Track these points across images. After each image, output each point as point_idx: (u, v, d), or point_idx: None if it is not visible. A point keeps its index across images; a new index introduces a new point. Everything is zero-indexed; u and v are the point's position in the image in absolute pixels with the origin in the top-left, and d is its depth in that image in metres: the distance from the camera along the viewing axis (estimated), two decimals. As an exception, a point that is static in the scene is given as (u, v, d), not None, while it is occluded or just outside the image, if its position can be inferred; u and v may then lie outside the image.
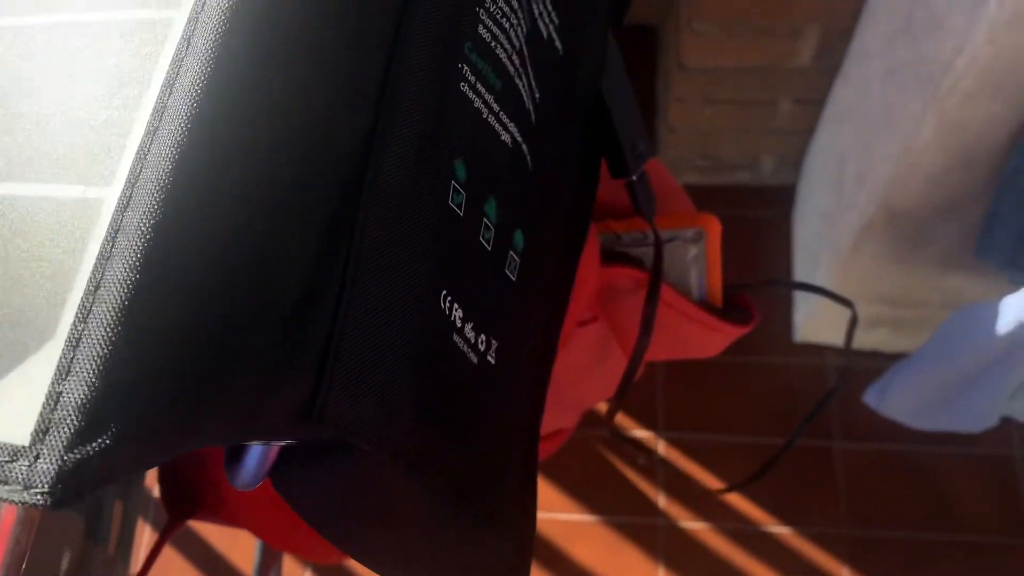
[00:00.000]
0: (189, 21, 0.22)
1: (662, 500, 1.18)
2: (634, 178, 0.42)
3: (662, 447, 1.21)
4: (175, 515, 0.51)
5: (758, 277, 1.30)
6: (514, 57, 0.31)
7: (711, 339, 0.49)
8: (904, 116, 0.85)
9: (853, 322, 0.56)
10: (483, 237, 0.30)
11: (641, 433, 1.23)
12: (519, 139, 0.32)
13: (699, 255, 0.50)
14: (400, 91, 0.25)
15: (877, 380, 0.94)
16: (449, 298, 0.27)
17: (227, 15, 0.22)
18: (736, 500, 1.19)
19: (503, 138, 0.31)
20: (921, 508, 1.19)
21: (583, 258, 0.41)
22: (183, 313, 0.20)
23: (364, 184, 0.24)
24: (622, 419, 1.24)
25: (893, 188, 0.90)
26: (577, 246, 0.39)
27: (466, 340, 0.28)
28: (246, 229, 0.21)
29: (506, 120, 0.31)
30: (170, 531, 0.51)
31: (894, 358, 1.22)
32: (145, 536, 1.14)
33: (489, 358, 0.30)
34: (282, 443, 0.24)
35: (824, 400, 0.57)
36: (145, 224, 0.20)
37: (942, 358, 0.82)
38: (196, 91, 0.21)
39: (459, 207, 0.28)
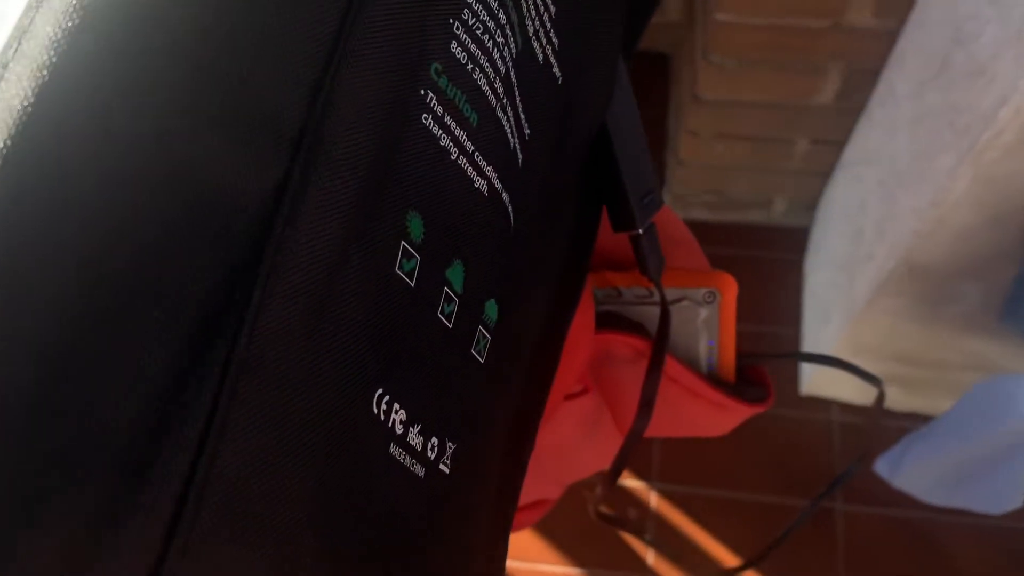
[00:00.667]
0: (28, 9, 0.16)
1: (651, 557, 1.11)
2: (640, 231, 0.35)
3: (654, 499, 1.14)
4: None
5: (764, 322, 1.24)
6: (497, 84, 0.24)
7: (720, 418, 0.42)
8: (934, 168, 0.78)
9: (880, 401, 0.49)
10: (443, 312, 0.23)
11: (633, 483, 1.15)
12: (499, 187, 0.25)
13: (711, 319, 0.43)
14: (330, 127, 0.19)
15: (889, 450, 0.87)
16: (387, 398, 0.21)
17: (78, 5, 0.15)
18: (727, 558, 1.12)
19: (477, 185, 0.24)
20: (926, 580, 1.11)
21: (575, 324, 0.35)
22: None
23: (262, 264, 0.17)
24: (613, 467, 1.17)
25: (917, 242, 0.84)
26: (567, 311, 0.33)
27: (408, 449, 0.22)
28: (56, 313, 0.14)
29: (482, 163, 0.24)
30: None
31: (905, 418, 1.15)
32: None
33: (442, 467, 0.24)
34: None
35: (845, 474, 0.51)
36: None
37: (961, 435, 0.76)
38: (17, 112, 0.15)
39: (410, 276, 0.21)
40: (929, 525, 1.13)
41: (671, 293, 0.43)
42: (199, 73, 0.16)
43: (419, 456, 0.22)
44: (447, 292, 0.23)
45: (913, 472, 0.86)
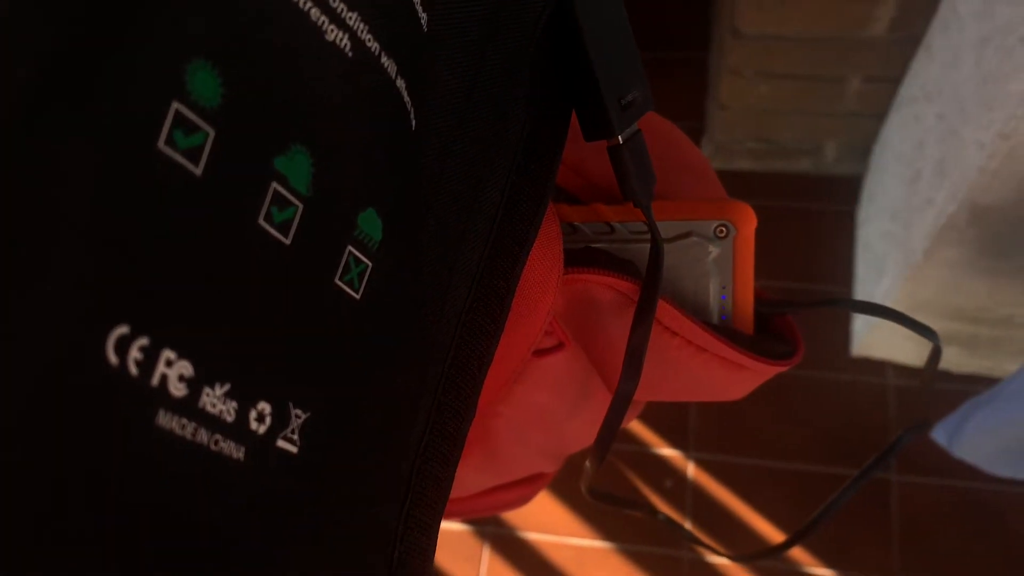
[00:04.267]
0: None
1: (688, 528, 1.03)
2: (619, 140, 0.27)
3: (691, 469, 1.06)
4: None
5: (814, 280, 1.15)
6: None
7: (734, 379, 0.34)
8: (1004, 93, 0.68)
9: (935, 357, 0.41)
10: (269, 219, 0.16)
11: (668, 452, 1.08)
12: (374, 48, 0.18)
13: (723, 259, 0.35)
14: None
15: (949, 416, 0.79)
16: (142, 342, 0.13)
17: None
18: (771, 532, 1.04)
19: (330, 38, 0.16)
20: (987, 557, 1.02)
21: (533, 260, 0.27)
22: None
23: None
24: (647, 434, 1.09)
25: (982, 180, 0.74)
26: (519, 241, 0.25)
27: (204, 419, 0.15)
28: None
29: (339, 7, 0.16)
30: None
31: (966, 380, 1.05)
32: None
33: (282, 444, 0.17)
34: None
35: (898, 442, 0.42)
36: None
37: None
38: None
39: (192, 155, 0.14)
40: (991, 497, 1.04)
41: (675, 227, 0.35)
42: None
43: (230, 430, 0.15)
44: (278, 191, 0.16)
45: (975, 440, 0.77)
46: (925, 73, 0.93)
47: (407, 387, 0.21)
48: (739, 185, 1.25)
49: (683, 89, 1.29)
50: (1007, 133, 0.67)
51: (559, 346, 0.32)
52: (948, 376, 1.08)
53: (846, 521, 1.03)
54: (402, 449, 0.21)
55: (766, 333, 0.36)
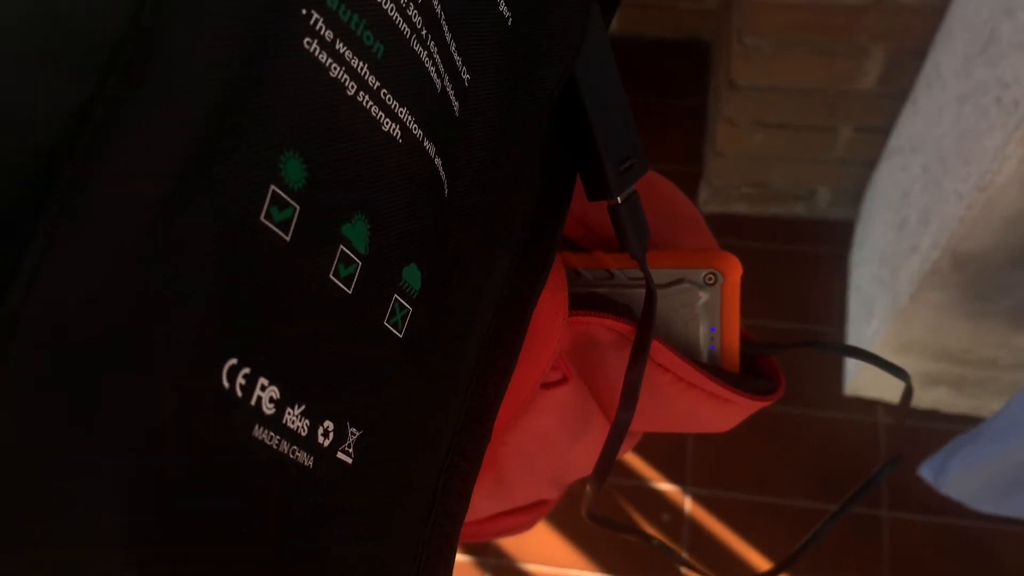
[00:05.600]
0: None
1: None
2: (618, 201, 0.31)
3: (688, 504, 1.09)
4: None
5: (806, 320, 1.18)
6: (412, 12, 0.21)
7: (720, 412, 0.38)
8: (980, 148, 0.73)
9: (908, 396, 0.45)
10: (337, 274, 0.19)
11: (666, 486, 1.11)
12: (418, 134, 0.22)
13: (712, 303, 0.39)
14: (165, 39, 0.15)
15: (935, 454, 0.82)
16: (246, 371, 0.17)
17: None
18: (766, 567, 1.07)
19: (386, 129, 0.20)
20: (978, 593, 1.05)
21: (543, 305, 0.31)
22: None
23: (51, 203, 0.14)
24: (645, 469, 1.12)
25: (963, 229, 0.78)
26: (530, 288, 0.29)
27: (285, 433, 0.18)
28: None
29: (393, 103, 0.21)
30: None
31: (954, 420, 1.09)
32: None
33: (341, 456, 0.20)
34: None
35: (875, 477, 0.46)
36: None
37: (1012, 438, 0.70)
38: None
39: (284, 227, 0.18)
40: (981, 534, 1.06)
41: (667, 274, 0.39)
42: None
43: (303, 442, 0.19)
44: (344, 251, 0.20)
45: (960, 477, 0.80)
46: (911, 126, 0.98)
47: (436, 413, 0.25)
48: (735, 228, 1.29)
49: (683, 135, 1.34)
50: (983, 185, 0.71)
51: (563, 380, 0.36)
52: (937, 416, 1.11)
53: (838, 556, 1.06)
54: (430, 466, 0.25)
55: (751, 371, 0.40)
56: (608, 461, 0.37)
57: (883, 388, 1.11)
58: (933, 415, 1.11)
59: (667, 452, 1.13)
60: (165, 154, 0.15)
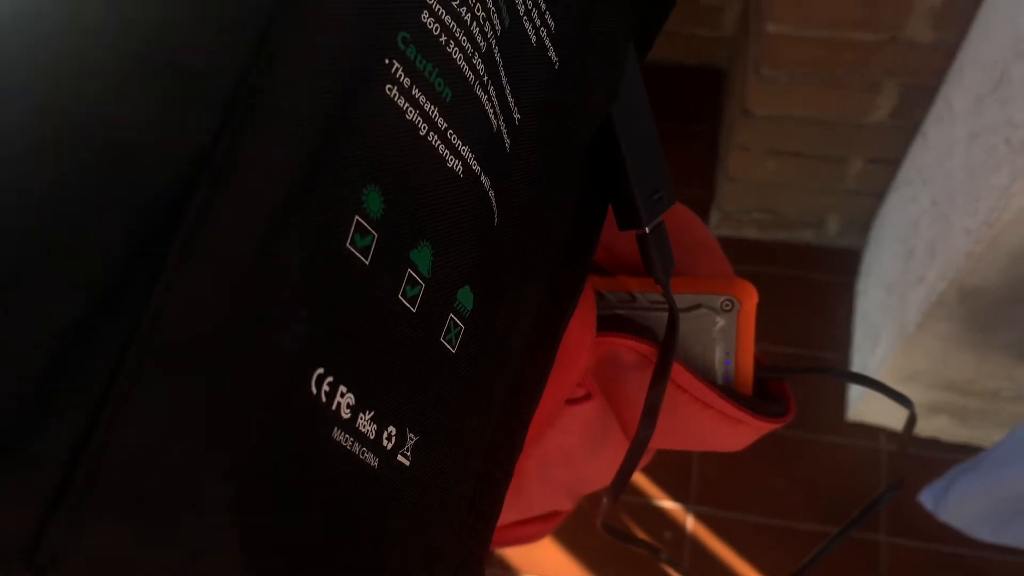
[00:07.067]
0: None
1: (684, 580, 1.08)
2: (646, 230, 0.34)
3: (690, 522, 1.11)
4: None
5: (812, 346, 1.20)
6: (476, 61, 0.23)
7: (733, 433, 0.40)
8: (989, 186, 0.75)
9: (911, 423, 0.47)
10: (404, 295, 0.22)
11: (668, 504, 1.13)
12: (476, 169, 0.24)
13: (728, 329, 0.41)
14: (273, 87, 0.17)
15: (936, 481, 0.84)
16: (329, 379, 0.19)
17: None
18: (767, 588, 1.08)
19: (450, 165, 0.23)
20: (974, 621, 1.06)
21: (573, 325, 0.33)
22: None
23: (180, 230, 0.16)
24: (649, 487, 1.14)
25: (969, 264, 0.80)
26: (564, 309, 0.31)
27: (358, 436, 0.21)
28: None
29: (457, 142, 0.23)
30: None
31: (955, 449, 1.10)
32: None
33: (400, 459, 0.23)
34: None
35: (877, 501, 0.48)
36: None
37: (1011, 469, 0.72)
38: None
39: (364, 253, 0.20)
40: (977, 563, 1.08)
41: (687, 299, 0.41)
42: (129, 24, 0.16)
43: (371, 444, 0.21)
44: (411, 274, 0.22)
45: (959, 505, 0.82)
46: (921, 159, 1.00)
47: (477, 424, 0.27)
48: (744, 253, 1.31)
49: (695, 160, 1.36)
50: (991, 222, 0.73)
51: (587, 396, 0.38)
52: (938, 444, 1.13)
53: (837, 580, 1.08)
54: (471, 473, 0.27)
55: (763, 395, 0.42)
56: (626, 476, 0.39)
57: (886, 415, 1.13)
58: (934, 443, 1.13)
59: (672, 471, 1.15)
60: (272, 189, 0.18)
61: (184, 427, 0.16)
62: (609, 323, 0.37)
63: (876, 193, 1.16)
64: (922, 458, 1.11)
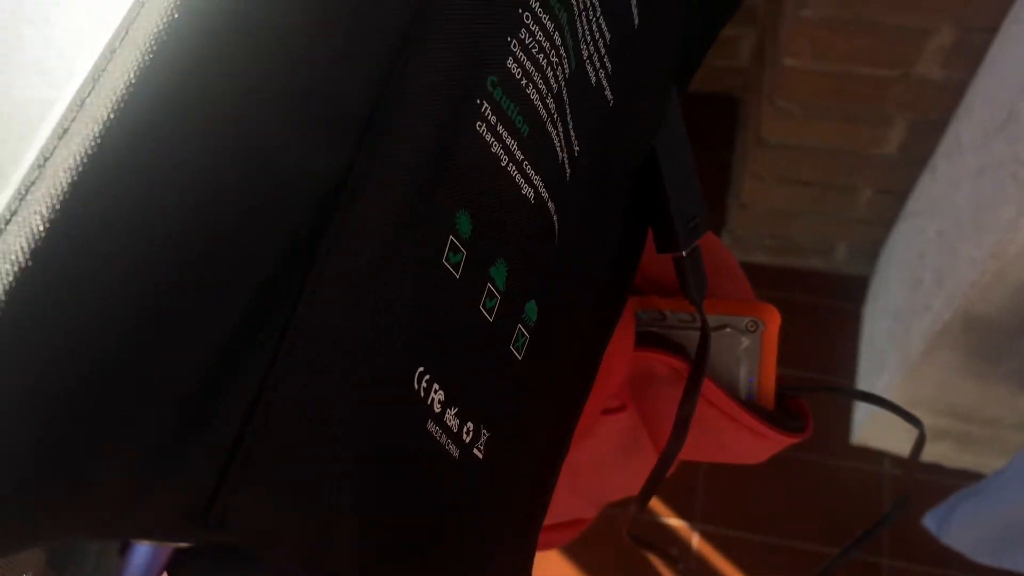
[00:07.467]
0: (135, 4, 0.18)
1: (689, 597, 1.10)
2: (683, 254, 0.37)
3: (696, 540, 1.14)
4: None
5: (818, 370, 1.23)
6: (549, 100, 0.26)
7: (756, 445, 0.43)
8: (996, 219, 0.78)
9: (920, 443, 0.49)
10: (484, 306, 0.25)
11: (675, 522, 1.15)
12: (545, 196, 0.27)
13: (752, 348, 0.44)
14: (396, 120, 0.20)
15: (939, 504, 0.86)
16: (427, 377, 0.22)
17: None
18: (770, 607, 1.11)
19: (524, 192, 0.26)
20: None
21: (614, 339, 0.36)
22: (51, 363, 0.15)
23: (322, 245, 0.19)
24: (654, 503, 1.16)
25: (975, 294, 0.83)
26: (608, 324, 0.34)
27: (445, 429, 0.23)
28: (147, 276, 0.16)
29: (530, 172, 0.26)
30: None
31: (957, 474, 1.13)
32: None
33: (476, 452, 0.25)
34: (175, 545, 0.19)
35: (879, 524, 0.51)
36: (25, 244, 0.15)
37: (1015, 494, 0.74)
38: (121, 91, 0.17)
39: (456, 268, 0.23)
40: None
41: (714, 320, 0.44)
42: (278, 64, 0.18)
43: (454, 437, 0.24)
44: (490, 288, 0.25)
45: (961, 529, 0.84)
46: (929, 191, 1.03)
47: (534, 427, 0.30)
48: (753, 277, 1.33)
49: (706, 185, 1.39)
50: (997, 254, 0.76)
51: (622, 407, 0.41)
52: (940, 470, 1.15)
53: (839, 601, 1.10)
54: (527, 473, 0.30)
55: (783, 411, 0.45)
56: (655, 484, 0.41)
57: (889, 439, 1.15)
58: (936, 468, 1.15)
59: (678, 489, 1.17)
60: (394, 209, 0.20)
61: (323, 417, 0.19)
62: (644, 339, 0.40)
63: (884, 222, 1.19)
64: (925, 482, 1.13)
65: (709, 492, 1.17)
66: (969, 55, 0.91)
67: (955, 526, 0.85)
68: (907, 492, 0.52)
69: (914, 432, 0.46)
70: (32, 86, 0.17)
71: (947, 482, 1.12)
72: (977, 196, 0.84)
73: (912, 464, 0.50)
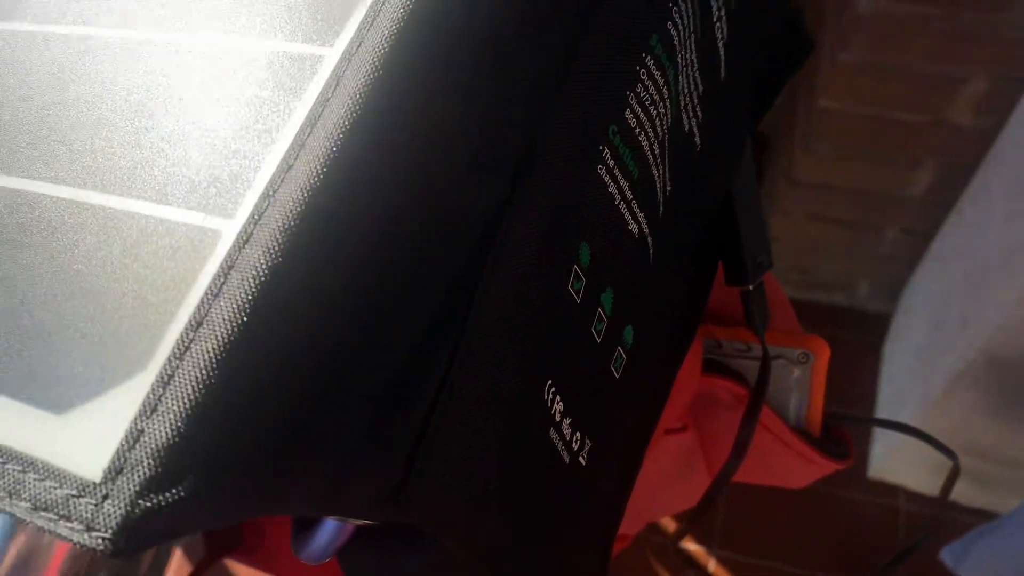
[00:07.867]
0: (342, 59, 0.21)
1: (705, 621, 1.12)
2: (751, 287, 0.40)
3: (712, 564, 1.16)
4: (212, 551, 0.49)
5: (838, 403, 1.25)
6: (655, 147, 0.29)
7: (802, 470, 0.46)
8: (1024, 265, 0.81)
9: (954, 476, 0.52)
10: (595, 328, 0.28)
11: (692, 546, 1.17)
12: (646, 231, 0.30)
13: (803, 378, 0.47)
14: (541, 166, 0.24)
15: (958, 540, 0.88)
16: (553, 389, 0.25)
17: (383, 59, 0.21)
18: (783, 635, 1.12)
19: (631, 228, 0.29)
20: None
21: (684, 363, 0.39)
22: (283, 368, 0.18)
23: (487, 260, 0.22)
24: (672, 526, 1.19)
25: (1000, 337, 0.85)
26: (682, 350, 0.37)
27: (562, 436, 0.26)
28: (362, 289, 0.19)
29: (637, 210, 0.29)
30: (204, 566, 0.49)
31: (972, 513, 1.15)
32: (173, 563, 1.13)
33: (581, 459, 0.28)
34: (359, 522, 0.22)
35: (905, 554, 0.53)
36: (262, 265, 0.18)
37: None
38: (339, 133, 0.20)
39: (577, 293, 0.26)
40: (990, 625, 1.12)
41: (770, 350, 0.46)
42: (461, 126, 0.22)
43: (567, 445, 0.27)
44: (599, 312, 0.28)
45: (980, 565, 0.86)
46: (955, 233, 1.06)
47: (621, 440, 0.33)
48: (777, 310, 1.36)
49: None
50: (1024, 298, 0.79)
51: (683, 428, 0.44)
52: (957, 507, 1.17)
53: (851, 632, 1.12)
54: (615, 483, 0.33)
55: (828, 438, 0.48)
56: (710, 501, 0.44)
57: (905, 474, 1.17)
58: (953, 506, 1.17)
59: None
60: (536, 241, 0.24)
61: (479, 423, 0.22)
62: (706, 366, 0.43)
63: (909, 261, 1.22)
64: (940, 518, 1.15)
65: (728, 518, 1.19)
66: (1000, 104, 0.94)
67: (972, 562, 0.87)
68: (937, 525, 0.55)
69: (933, 468, 0.48)
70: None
71: (963, 520, 1.14)
72: (1005, 242, 0.87)
73: (944, 497, 0.53)
